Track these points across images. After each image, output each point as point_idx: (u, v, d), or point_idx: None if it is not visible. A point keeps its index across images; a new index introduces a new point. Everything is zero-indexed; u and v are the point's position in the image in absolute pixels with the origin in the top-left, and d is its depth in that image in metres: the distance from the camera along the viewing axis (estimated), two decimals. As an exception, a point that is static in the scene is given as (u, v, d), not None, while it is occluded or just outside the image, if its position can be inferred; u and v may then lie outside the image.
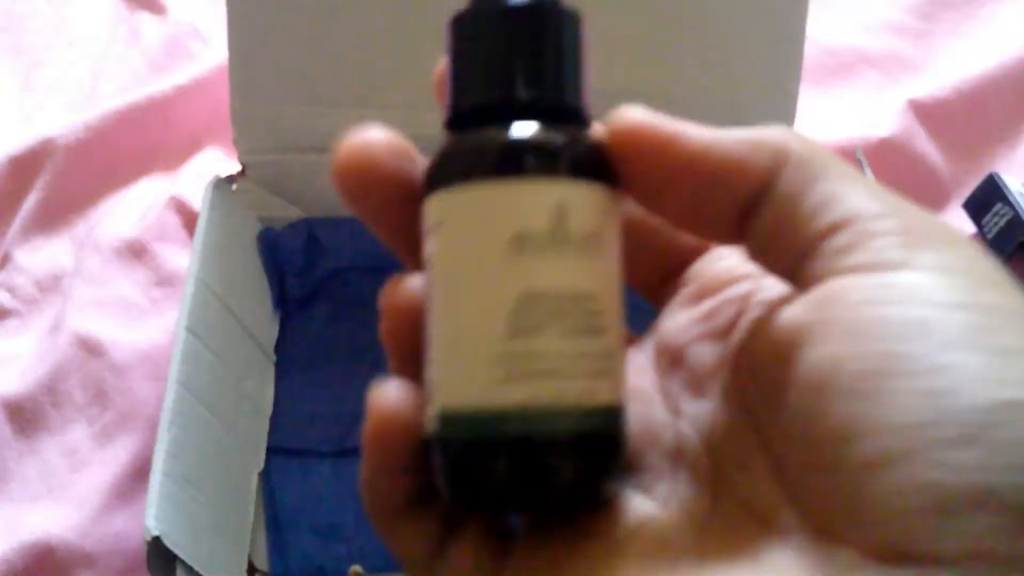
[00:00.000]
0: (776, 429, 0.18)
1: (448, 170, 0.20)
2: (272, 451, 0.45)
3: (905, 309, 0.17)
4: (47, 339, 0.50)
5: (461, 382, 0.19)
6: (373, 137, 0.21)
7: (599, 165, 0.20)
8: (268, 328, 0.49)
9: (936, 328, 0.16)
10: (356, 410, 0.52)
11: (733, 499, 0.19)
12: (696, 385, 0.21)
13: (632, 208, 0.21)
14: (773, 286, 0.20)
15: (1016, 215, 0.54)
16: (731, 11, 0.48)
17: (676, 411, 0.21)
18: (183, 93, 0.59)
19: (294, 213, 0.52)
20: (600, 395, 0.19)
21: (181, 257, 0.53)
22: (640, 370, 0.22)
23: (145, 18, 0.66)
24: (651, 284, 0.24)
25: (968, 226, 0.58)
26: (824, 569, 0.16)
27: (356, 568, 0.41)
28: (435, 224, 0.20)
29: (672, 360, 0.22)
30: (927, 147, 0.60)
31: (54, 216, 0.55)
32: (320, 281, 0.50)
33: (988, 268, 0.18)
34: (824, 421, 0.17)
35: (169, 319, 0.50)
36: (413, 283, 0.21)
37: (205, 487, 0.38)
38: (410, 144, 0.21)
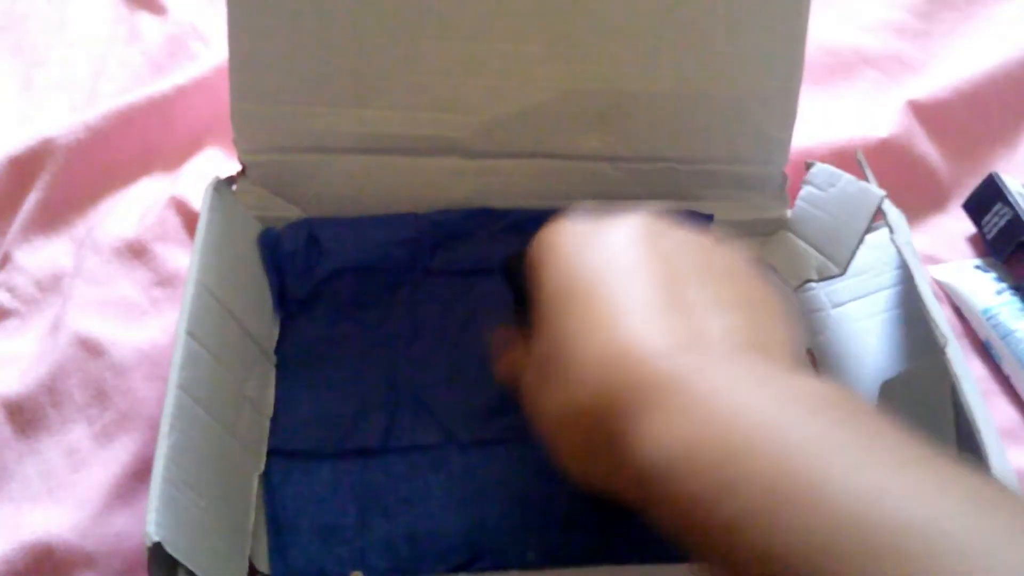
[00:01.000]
0: None
1: None
2: (273, 453, 0.45)
3: None
4: (47, 339, 0.50)
5: None
6: None
7: None
8: (269, 329, 0.49)
9: None
10: (358, 411, 0.52)
11: None
12: None
13: None
14: None
15: (1016, 215, 0.54)
16: (732, 10, 0.48)
17: None
18: (183, 93, 0.59)
19: (294, 213, 0.52)
20: None
21: (181, 257, 0.53)
22: None
23: (145, 18, 0.66)
24: None
25: (968, 226, 0.58)
26: None
27: (357, 574, 0.41)
28: None
29: None
30: (927, 147, 0.60)
31: (54, 216, 0.55)
32: (321, 282, 0.50)
33: None
34: None
35: (169, 319, 0.50)
36: None
37: (206, 491, 0.38)
38: None
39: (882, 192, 0.49)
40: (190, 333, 0.40)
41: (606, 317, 0.30)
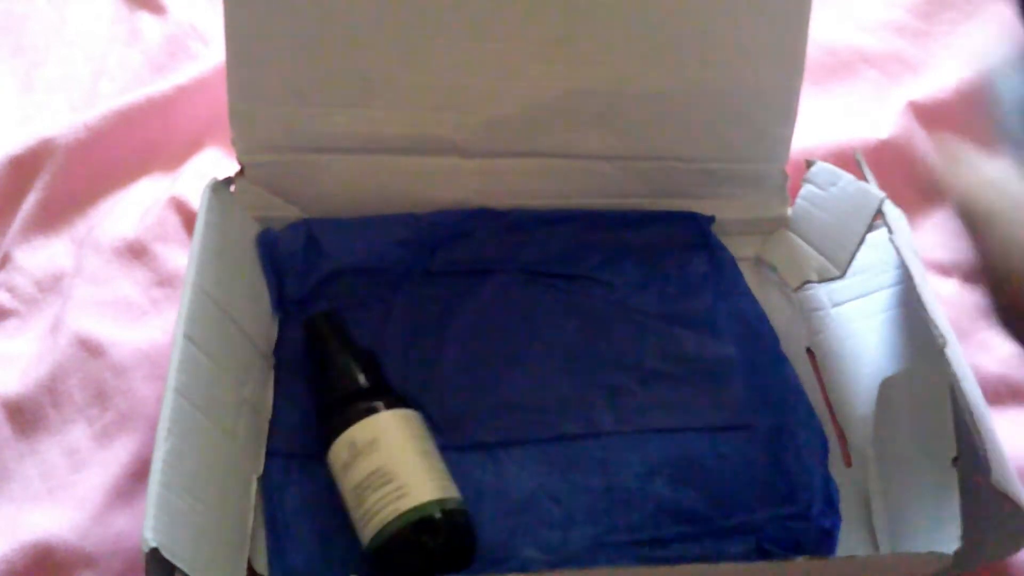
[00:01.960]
0: None
1: None
2: (272, 454, 0.45)
3: None
4: (47, 339, 0.50)
5: None
6: None
7: None
8: (267, 331, 0.49)
9: None
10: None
11: None
12: None
13: None
14: None
15: (1016, 215, 0.54)
16: (732, 10, 0.48)
17: None
18: (183, 93, 0.59)
19: (293, 213, 0.52)
20: None
21: (181, 257, 0.53)
22: None
23: (145, 18, 0.66)
24: None
25: (968, 226, 0.58)
26: None
27: None
28: None
29: None
30: (927, 148, 0.60)
31: (54, 216, 0.55)
32: (320, 282, 0.50)
33: None
34: None
35: (169, 319, 0.50)
36: None
37: (204, 494, 0.38)
38: None
39: (882, 194, 0.49)
40: (187, 337, 0.40)
41: None
